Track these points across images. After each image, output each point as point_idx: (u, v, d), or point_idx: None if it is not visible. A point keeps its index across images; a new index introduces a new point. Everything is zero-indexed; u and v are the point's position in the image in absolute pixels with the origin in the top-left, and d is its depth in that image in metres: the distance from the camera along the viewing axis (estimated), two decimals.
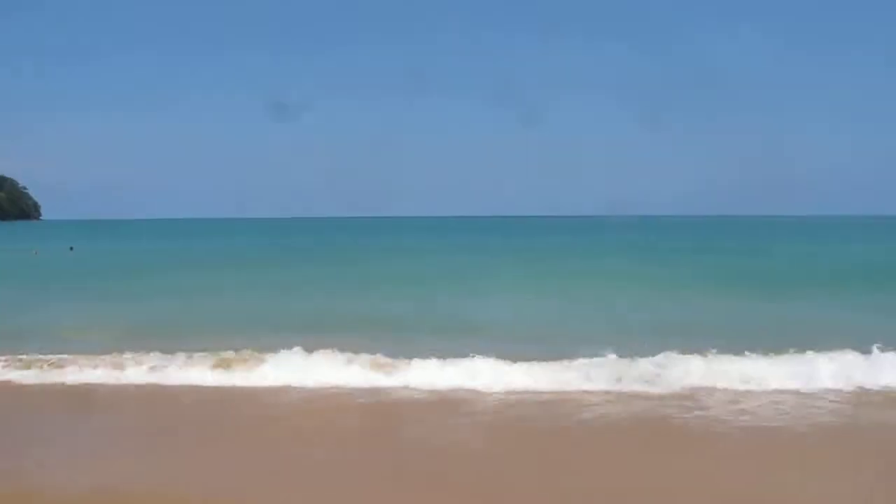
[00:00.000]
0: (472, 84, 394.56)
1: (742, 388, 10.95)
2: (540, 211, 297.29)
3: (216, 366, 12.36)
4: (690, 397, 10.58)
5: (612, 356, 11.86)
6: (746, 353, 11.89)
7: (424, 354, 12.32)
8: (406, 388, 11.31)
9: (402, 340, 13.67)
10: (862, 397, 10.58)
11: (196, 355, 12.72)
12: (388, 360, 12.28)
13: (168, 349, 13.05)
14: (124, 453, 8.57)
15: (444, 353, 12.27)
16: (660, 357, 11.79)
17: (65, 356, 12.94)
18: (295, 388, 11.41)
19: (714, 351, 11.89)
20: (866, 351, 11.74)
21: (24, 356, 13.03)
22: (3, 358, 12.99)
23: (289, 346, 12.82)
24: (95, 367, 12.43)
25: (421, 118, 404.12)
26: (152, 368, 12.35)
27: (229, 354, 12.75)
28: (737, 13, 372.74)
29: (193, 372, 12.18)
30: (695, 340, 12.46)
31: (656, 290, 24.11)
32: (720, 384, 11.03)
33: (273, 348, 12.88)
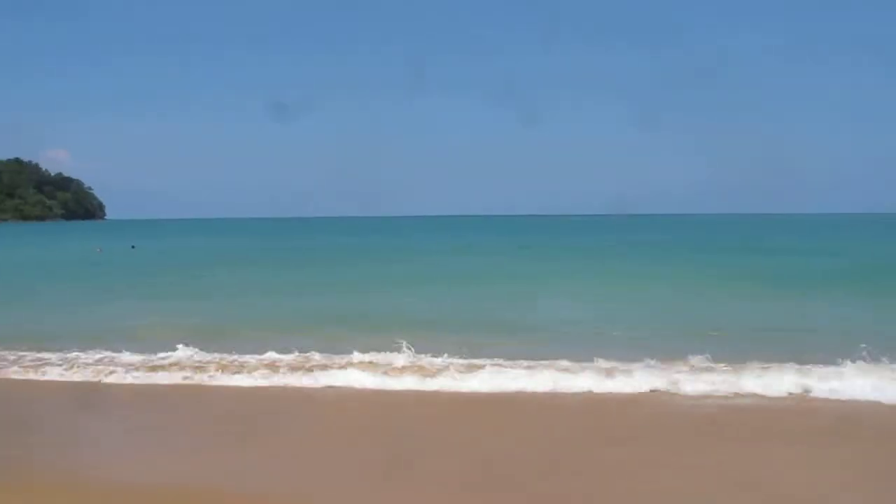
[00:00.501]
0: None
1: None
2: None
3: (273, 368, 12.24)
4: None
5: (702, 360, 11.56)
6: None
7: (498, 356, 12.20)
8: (476, 392, 10.93)
9: (460, 341, 13.43)
10: None
11: (248, 358, 12.76)
12: (446, 363, 12.03)
13: (234, 349, 13.21)
14: (176, 451, 8.47)
15: (525, 357, 12.05)
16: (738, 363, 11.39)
17: (123, 355, 13.16)
18: (368, 391, 11.17)
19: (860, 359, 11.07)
20: None
21: (81, 354, 13.26)
22: (75, 356, 13.18)
23: (351, 346, 12.82)
24: (154, 367, 12.50)
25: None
26: (216, 367, 12.32)
27: (288, 357, 12.69)
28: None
29: (244, 374, 12.03)
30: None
31: (707, 290, 23.65)
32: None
33: (331, 348, 12.89)
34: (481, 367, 11.73)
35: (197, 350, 13.20)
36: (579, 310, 19.47)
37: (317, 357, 12.64)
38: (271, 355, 12.77)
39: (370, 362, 12.21)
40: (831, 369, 10.93)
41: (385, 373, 11.76)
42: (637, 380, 10.93)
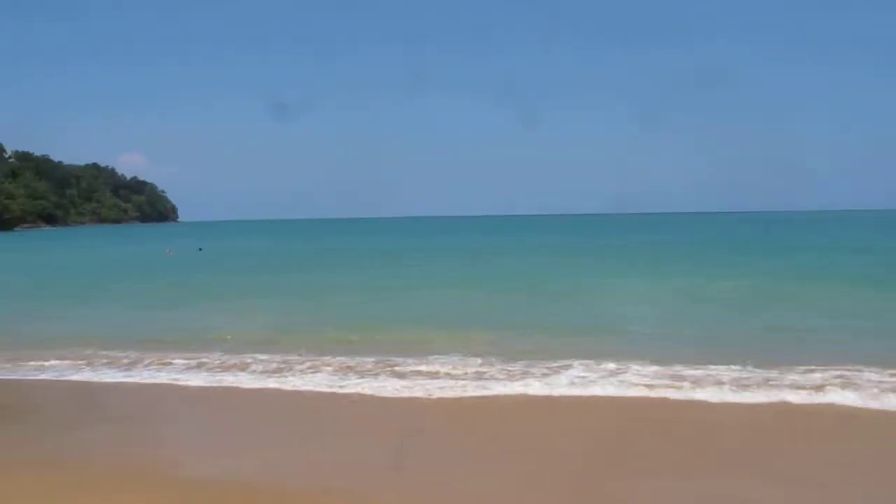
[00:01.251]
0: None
1: None
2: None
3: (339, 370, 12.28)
4: None
5: None
6: None
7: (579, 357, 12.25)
8: (600, 397, 10.50)
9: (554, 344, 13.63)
10: None
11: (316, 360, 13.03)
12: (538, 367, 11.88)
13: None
14: (259, 449, 8.35)
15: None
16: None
17: (203, 356, 13.52)
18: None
19: None
20: None
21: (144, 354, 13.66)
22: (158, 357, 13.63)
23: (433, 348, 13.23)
24: (230, 368, 12.76)
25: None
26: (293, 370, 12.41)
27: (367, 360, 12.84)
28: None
29: (318, 377, 12.01)
30: None
31: (768, 290, 23.18)
32: None
33: (410, 350, 13.23)
34: (566, 368, 11.76)
35: (279, 353, 13.58)
36: (645, 311, 19.11)
37: (391, 360, 12.76)
38: (343, 359, 12.97)
39: (447, 372, 12.06)
40: None
41: (455, 377, 11.63)
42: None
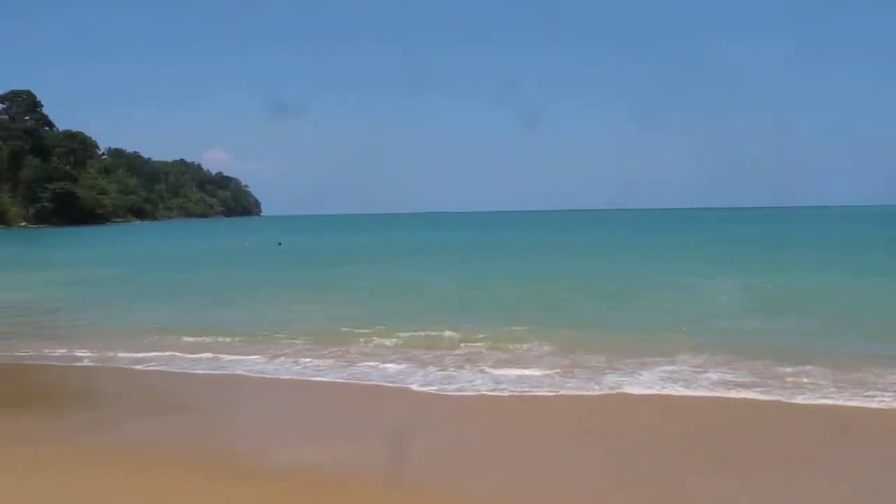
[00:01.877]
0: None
1: None
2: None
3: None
4: None
5: None
6: None
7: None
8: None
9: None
10: None
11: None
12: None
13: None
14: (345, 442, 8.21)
15: None
16: None
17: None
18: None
19: None
20: None
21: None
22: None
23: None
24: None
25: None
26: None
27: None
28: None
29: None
30: None
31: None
32: None
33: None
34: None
35: (352, 346, 13.82)
36: (705, 308, 18.35)
37: (466, 355, 12.84)
38: (418, 352, 13.12)
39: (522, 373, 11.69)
40: None
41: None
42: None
